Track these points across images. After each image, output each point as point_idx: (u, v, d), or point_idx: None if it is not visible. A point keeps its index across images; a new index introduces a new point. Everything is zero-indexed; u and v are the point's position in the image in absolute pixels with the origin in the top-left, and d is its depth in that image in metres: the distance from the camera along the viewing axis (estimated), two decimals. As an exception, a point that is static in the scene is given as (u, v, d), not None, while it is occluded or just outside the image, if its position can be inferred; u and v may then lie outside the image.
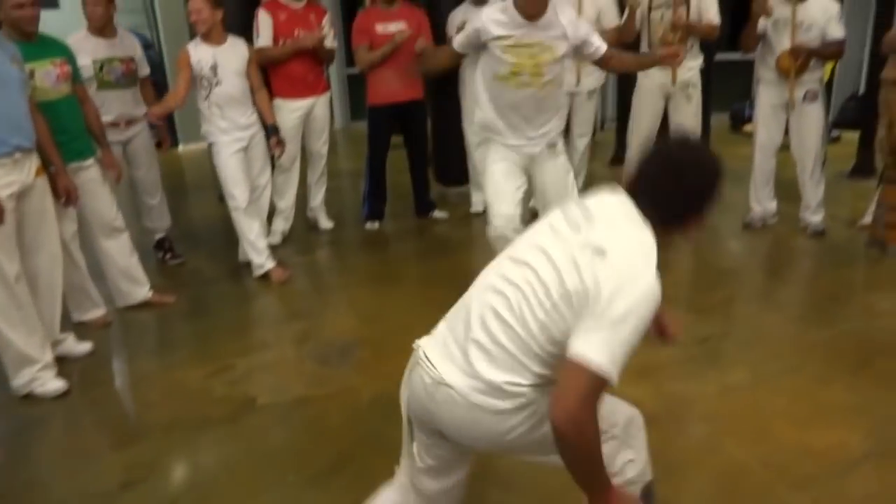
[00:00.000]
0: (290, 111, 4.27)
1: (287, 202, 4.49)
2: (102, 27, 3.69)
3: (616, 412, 1.53)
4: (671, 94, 4.24)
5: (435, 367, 1.45)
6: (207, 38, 3.67)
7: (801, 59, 3.85)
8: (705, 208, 1.53)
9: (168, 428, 2.52)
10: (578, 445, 1.30)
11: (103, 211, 3.36)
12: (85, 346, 3.13)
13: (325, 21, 4.27)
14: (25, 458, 2.41)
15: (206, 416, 2.57)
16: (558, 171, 3.13)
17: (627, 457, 1.56)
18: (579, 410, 1.27)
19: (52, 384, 2.78)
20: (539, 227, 1.55)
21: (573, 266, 1.37)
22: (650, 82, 4.26)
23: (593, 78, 4.50)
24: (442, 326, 1.57)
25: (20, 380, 2.74)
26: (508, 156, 3.04)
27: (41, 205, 2.84)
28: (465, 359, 1.43)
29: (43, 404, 2.75)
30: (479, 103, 3.07)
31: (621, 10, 4.37)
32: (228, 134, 3.75)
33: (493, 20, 2.83)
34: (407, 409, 1.55)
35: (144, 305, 3.57)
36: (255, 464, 2.29)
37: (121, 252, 3.48)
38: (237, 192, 3.77)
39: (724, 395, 2.55)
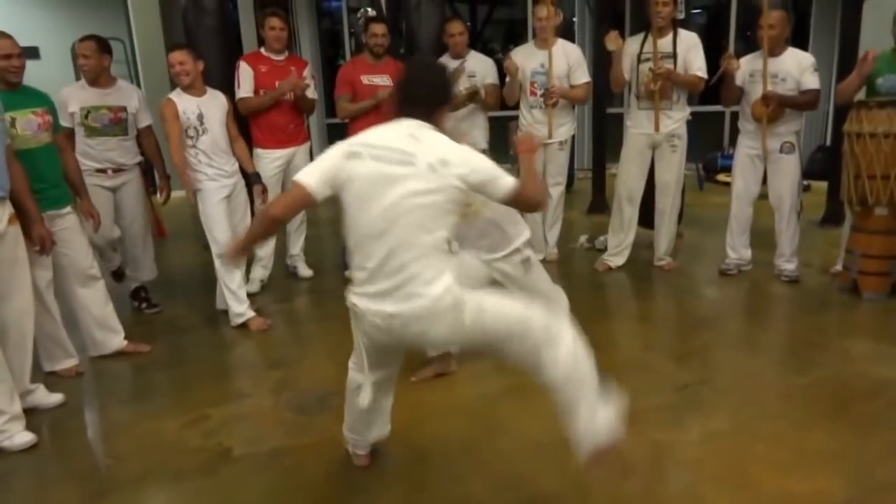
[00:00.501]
0: (270, 161, 4.30)
1: (266, 250, 4.48)
2: (95, 78, 3.75)
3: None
4: (657, 145, 4.35)
5: (378, 310, 1.94)
6: (190, 89, 3.70)
7: (771, 105, 3.97)
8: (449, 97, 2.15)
9: (140, 480, 2.44)
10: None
11: (79, 259, 3.33)
12: (56, 398, 3.05)
13: (306, 72, 4.35)
14: (-10, 515, 2.33)
15: (181, 468, 2.50)
16: None
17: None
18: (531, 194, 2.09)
19: (20, 437, 2.69)
20: (374, 179, 1.94)
21: (439, 182, 1.90)
22: (638, 132, 4.38)
23: (564, 129, 4.59)
24: (362, 286, 1.98)
25: None
26: None
27: (13, 253, 2.80)
28: (402, 291, 1.91)
29: (10, 457, 2.67)
30: None
31: (606, 62, 4.51)
32: (216, 181, 3.78)
33: None
34: (366, 343, 2.08)
35: (119, 355, 3.51)
36: (231, 517, 2.23)
37: (96, 300, 3.43)
38: (223, 238, 3.77)
39: (705, 442, 2.54)
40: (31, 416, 2.92)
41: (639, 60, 4.27)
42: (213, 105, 3.78)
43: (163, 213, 4.36)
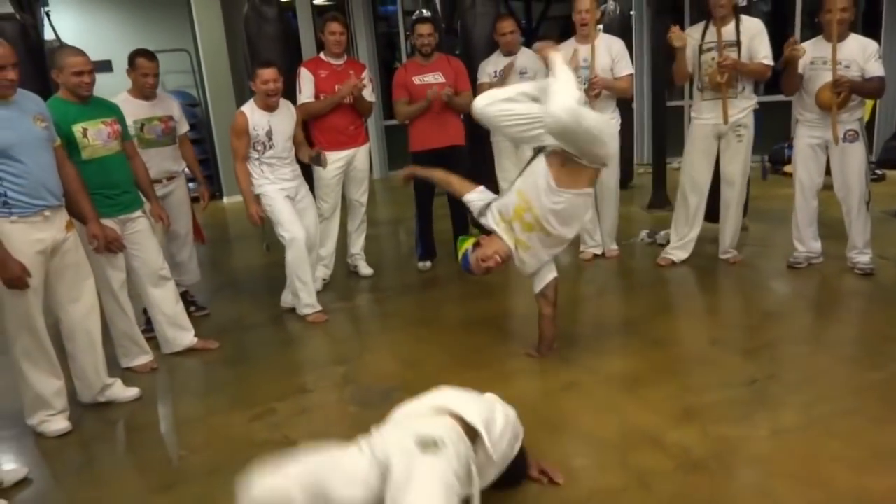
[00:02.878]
0: (331, 162, 4.39)
1: (328, 250, 4.58)
2: (149, 94, 3.83)
3: None
4: (723, 135, 4.25)
5: None
6: (267, 105, 3.83)
7: (843, 92, 3.82)
8: None
9: (211, 472, 2.53)
10: None
11: (151, 260, 3.47)
12: (132, 392, 3.18)
13: (364, 75, 4.43)
14: (72, 501, 2.45)
15: (249, 460, 2.57)
16: None
17: None
18: None
19: (58, 424, 2.86)
20: None
21: None
22: (703, 123, 4.29)
23: (611, 123, 4.51)
24: None
25: (33, 420, 2.87)
26: None
27: (75, 258, 2.92)
28: None
29: (89, 447, 2.81)
30: None
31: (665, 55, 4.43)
32: (276, 184, 3.90)
33: None
34: None
35: (190, 351, 3.64)
36: (297, 507, 2.28)
37: (167, 300, 3.57)
38: (296, 229, 3.87)
39: (775, 438, 2.46)
40: (110, 409, 3.08)
41: (700, 51, 4.17)
42: (283, 119, 3.91)
43: (227, 217, 4.47)
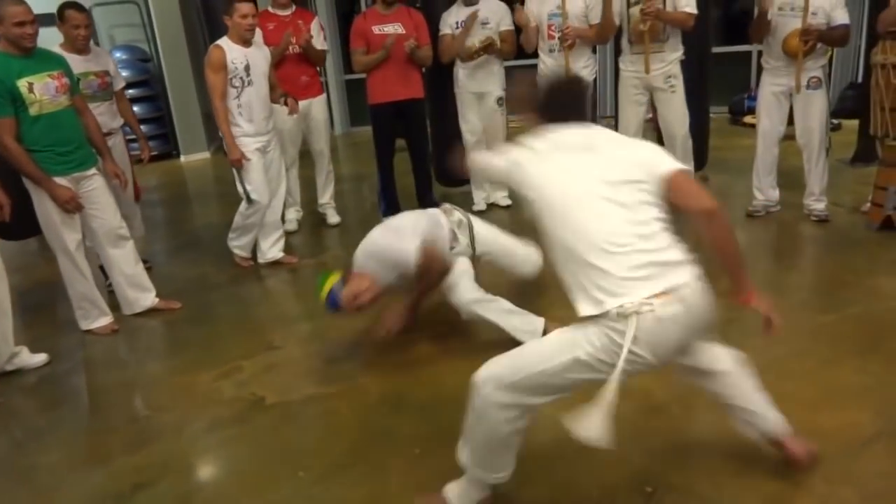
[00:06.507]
0: (288, 114, 4.31)
1: (297, 197, 4.70)
2: (81, 47, 3.70)
3: None
4: (653, 88, 4.27)
5: (651, 297, 1.65)
6: (243, 41, 3.72)
7: (811, 41, 3.85)
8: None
9: (178, 429, 2.53)
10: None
11: (109, 219, 3.37)
12: (39, 358, 3.12)
13: (313, 24, 4.35)
14: (36, 466, 2.42)
15: (216, 417, 2.58)
16: None
17: None
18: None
19: None
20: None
21: None
22: (629, 75, 4.30)
23: (586, 72, 4.50)
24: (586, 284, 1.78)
25: None
26: None
27: None
28: (654, 265, 1.71)
29: (53, 412, 2.77)
30: None
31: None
32: (251, 137, 3.82)
33: None
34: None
35: (151, 312, 3.58)
36: (267, 461, 2.30)
37: (126, 260, 3.49)
38: (263, 194, 3.90)
39: (732, 380, 2.54)
40: (71, 373, 3.03)
41: (628, 5, 4.15)
42: (259, 56, 3.79)
43: (184, 175, 4.39)
